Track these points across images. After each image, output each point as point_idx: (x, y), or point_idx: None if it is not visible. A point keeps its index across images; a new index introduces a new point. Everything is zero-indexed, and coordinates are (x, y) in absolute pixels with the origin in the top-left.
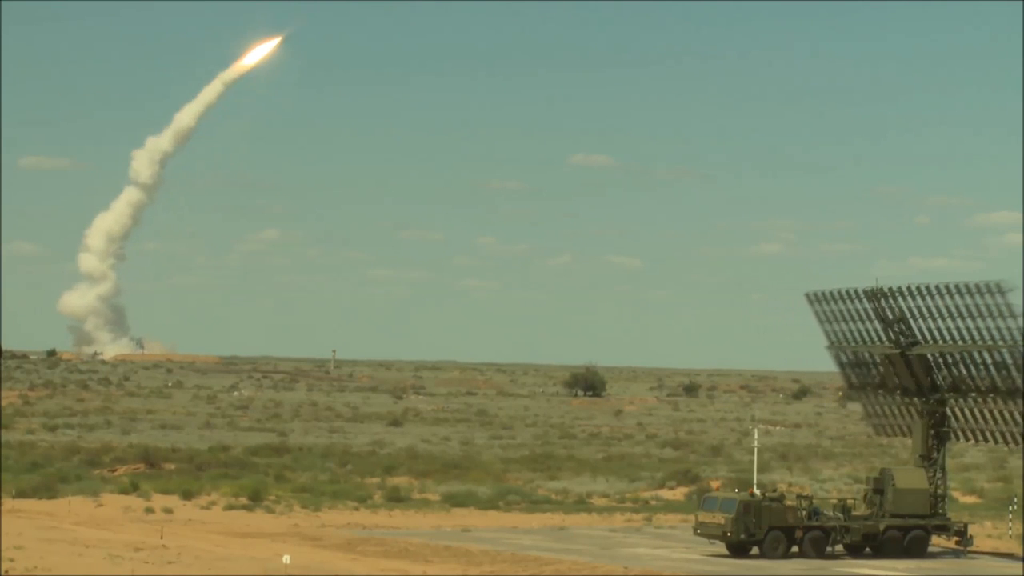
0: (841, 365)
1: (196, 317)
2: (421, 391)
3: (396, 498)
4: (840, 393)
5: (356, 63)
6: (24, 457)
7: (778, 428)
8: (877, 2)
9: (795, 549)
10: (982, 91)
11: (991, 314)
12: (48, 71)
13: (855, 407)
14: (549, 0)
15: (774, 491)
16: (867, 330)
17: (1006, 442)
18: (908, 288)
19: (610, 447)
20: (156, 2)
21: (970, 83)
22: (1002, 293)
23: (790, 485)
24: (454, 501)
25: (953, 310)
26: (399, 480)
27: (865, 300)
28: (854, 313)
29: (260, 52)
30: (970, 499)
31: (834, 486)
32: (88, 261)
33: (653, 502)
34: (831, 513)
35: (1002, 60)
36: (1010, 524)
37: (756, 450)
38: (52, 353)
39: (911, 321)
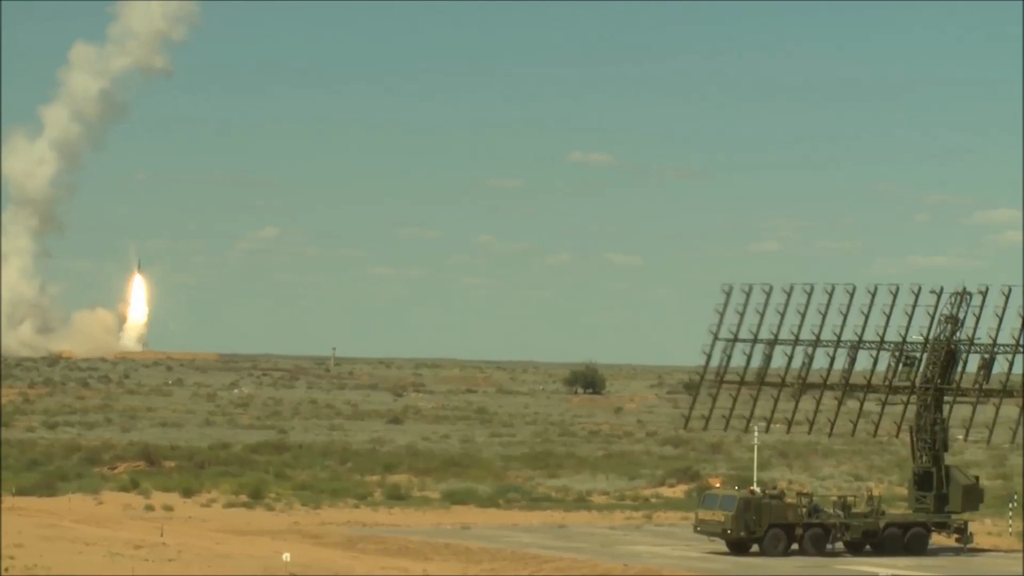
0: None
1: (196, 315)
2: (421, 389)
3: (396, 496)
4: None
5: (355, 62)
6: (24, 455)
7: (778, 425)
8: (876, 1)
9: (795, 546)
10: (982, 90)
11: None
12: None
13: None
14: (548, 0)
15: (774, 488)
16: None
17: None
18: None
19: (610, 445)
20: None
21: (970, 82)
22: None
23: (790, 483)
24: (454, 499)
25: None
26: (399, 478)
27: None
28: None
29: None
30: None
31: (834, 483)
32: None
33: (653, 500)
34: (831, 510)
35: (1002, 60)
36: (1010, 521)
37: (756, 448)
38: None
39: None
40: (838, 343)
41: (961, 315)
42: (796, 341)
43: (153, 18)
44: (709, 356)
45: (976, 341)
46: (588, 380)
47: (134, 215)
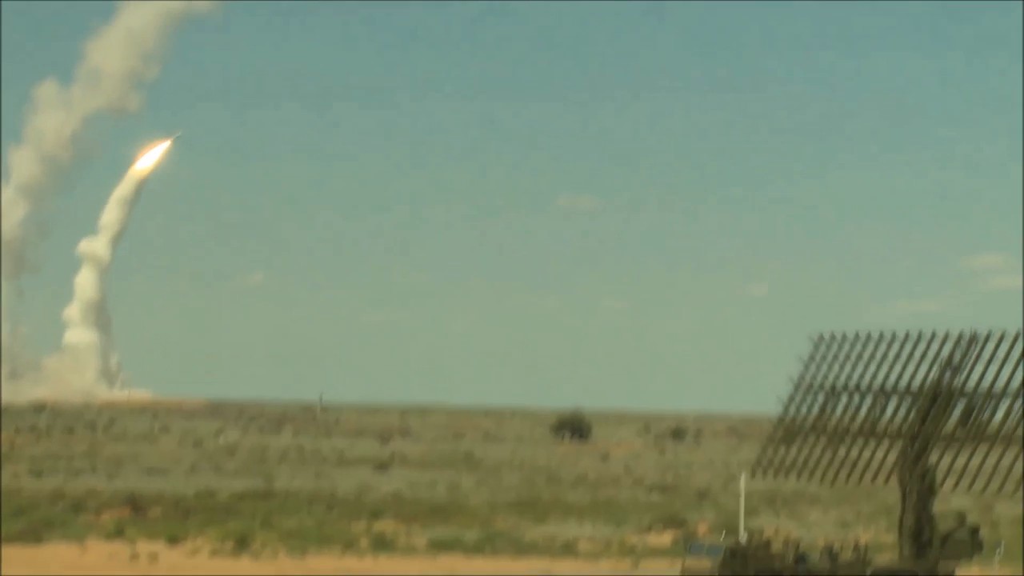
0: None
1: (183, 359)
2: (408, 435)
3: (382, 543)
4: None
5: (344, 98)
6: (9, 503)
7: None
8: (859, 43)
9: None
10: (970, 132)
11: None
12: None
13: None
14: (533, 40)
15: (761, 536)
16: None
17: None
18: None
19: (597, 491)
20: None
21: (959, 125)
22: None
23: (777, 530)
24: (440, 546)
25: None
26: (385, 525)
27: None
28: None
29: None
30: None
31: (821, 531)
32: None
33: (639, 547)
34: (818, 558)
35: (991, 108)
36: (996, 569)
37: (743, 495)
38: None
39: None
40: (869, 390)
41: (957, 359)
42: (843, 389)
43: (123, 58)
44: (788, 405)
45: (966, 388)
46: (575, 426)
47: (117, 255)
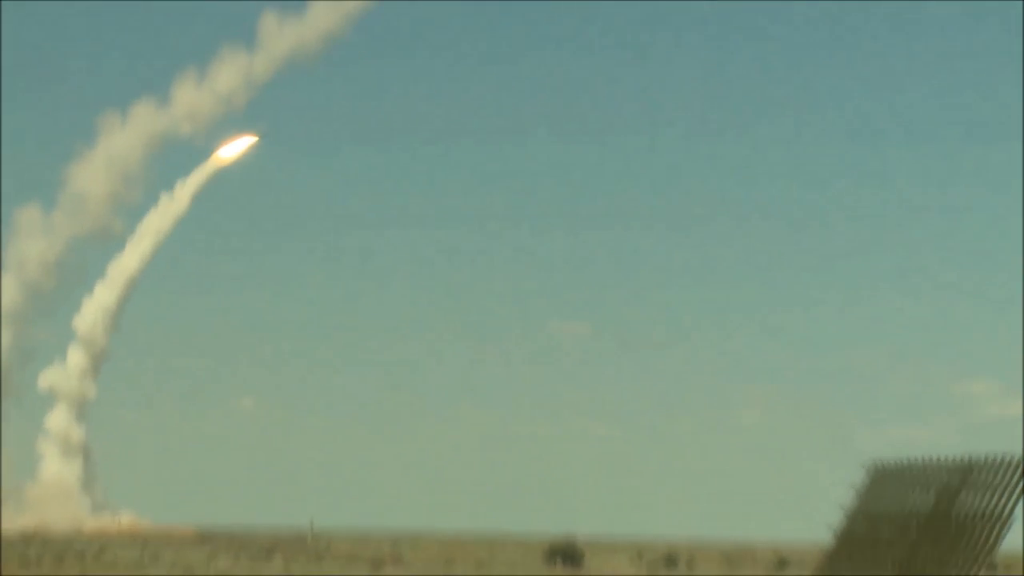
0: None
1: (171, 486)
2: (399, 562)
3: None
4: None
5: (329, 227)
6: None
7: None
8: (849, 178)
9: None
10: (963, 259)
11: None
12: None
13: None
14: (525, 167)
15: None
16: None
17: None
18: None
19: None
20: None
21: (952, 252)
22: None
23: None
24: None
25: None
26: None
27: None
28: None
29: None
30: None
31: None
32: None
33: None
34: None
35: (986, 235)
36: None
37: None
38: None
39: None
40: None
41: (956, 485)
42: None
43: (106, 182)
44: (841, 533)
45: (967, 515)
46: (567, 553)
47: (101, 382)
